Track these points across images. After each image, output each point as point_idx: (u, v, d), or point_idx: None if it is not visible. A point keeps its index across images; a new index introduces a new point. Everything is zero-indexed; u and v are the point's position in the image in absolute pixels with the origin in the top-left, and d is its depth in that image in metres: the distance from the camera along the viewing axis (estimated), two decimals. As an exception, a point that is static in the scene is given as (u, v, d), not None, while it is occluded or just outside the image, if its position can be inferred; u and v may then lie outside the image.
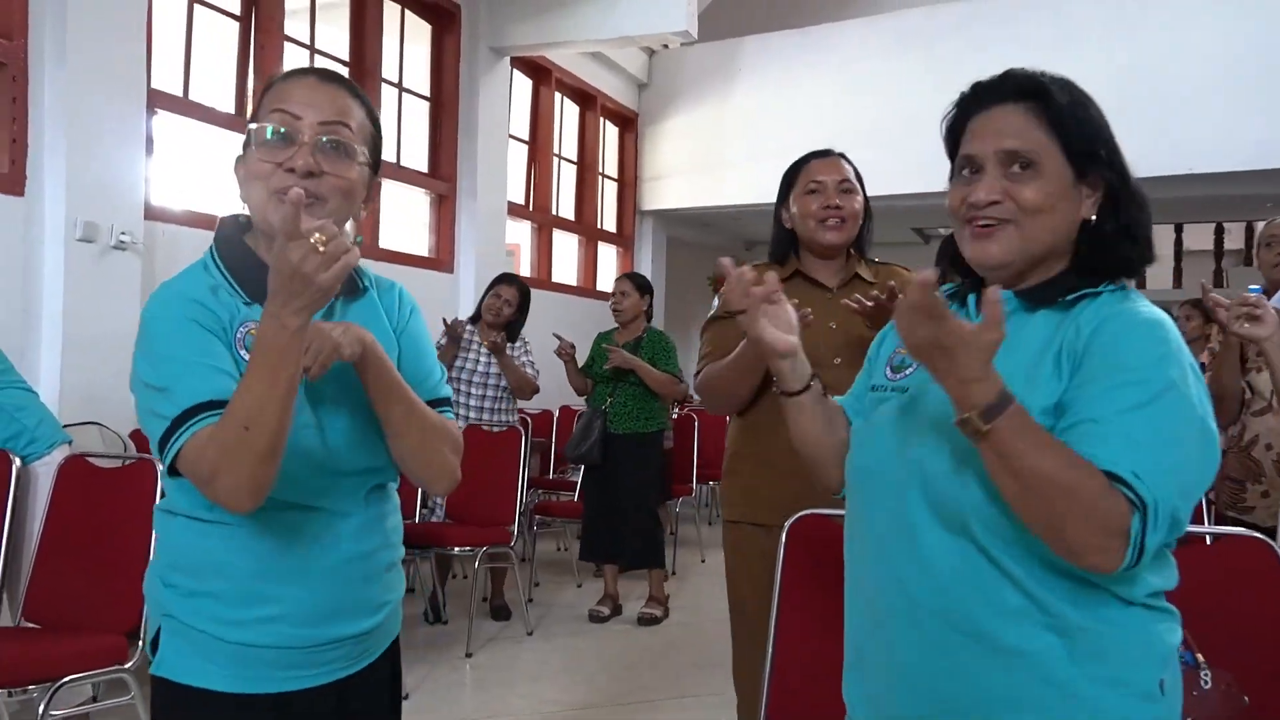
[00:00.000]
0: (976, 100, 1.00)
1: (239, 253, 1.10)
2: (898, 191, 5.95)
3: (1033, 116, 0.97)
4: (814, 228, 1.88)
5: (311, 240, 0.89)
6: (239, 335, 1.07)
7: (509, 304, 3.96)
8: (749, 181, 6.76)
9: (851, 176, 1.93)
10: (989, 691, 0.92)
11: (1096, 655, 0.91)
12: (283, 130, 1.04)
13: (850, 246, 1.95)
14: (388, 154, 5.34)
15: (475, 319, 4.03)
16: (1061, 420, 0.91)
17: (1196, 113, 5.54)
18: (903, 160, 6.18)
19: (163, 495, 1.16)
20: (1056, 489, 0.85)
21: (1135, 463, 0.86)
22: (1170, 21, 5.72)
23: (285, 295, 0.92)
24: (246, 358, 1.03)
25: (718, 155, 7.06)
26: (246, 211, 1.09)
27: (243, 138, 1.08)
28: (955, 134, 1.02)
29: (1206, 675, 1.11)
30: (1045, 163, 0.96)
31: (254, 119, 1.07)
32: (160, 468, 1.06)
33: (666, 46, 7.39)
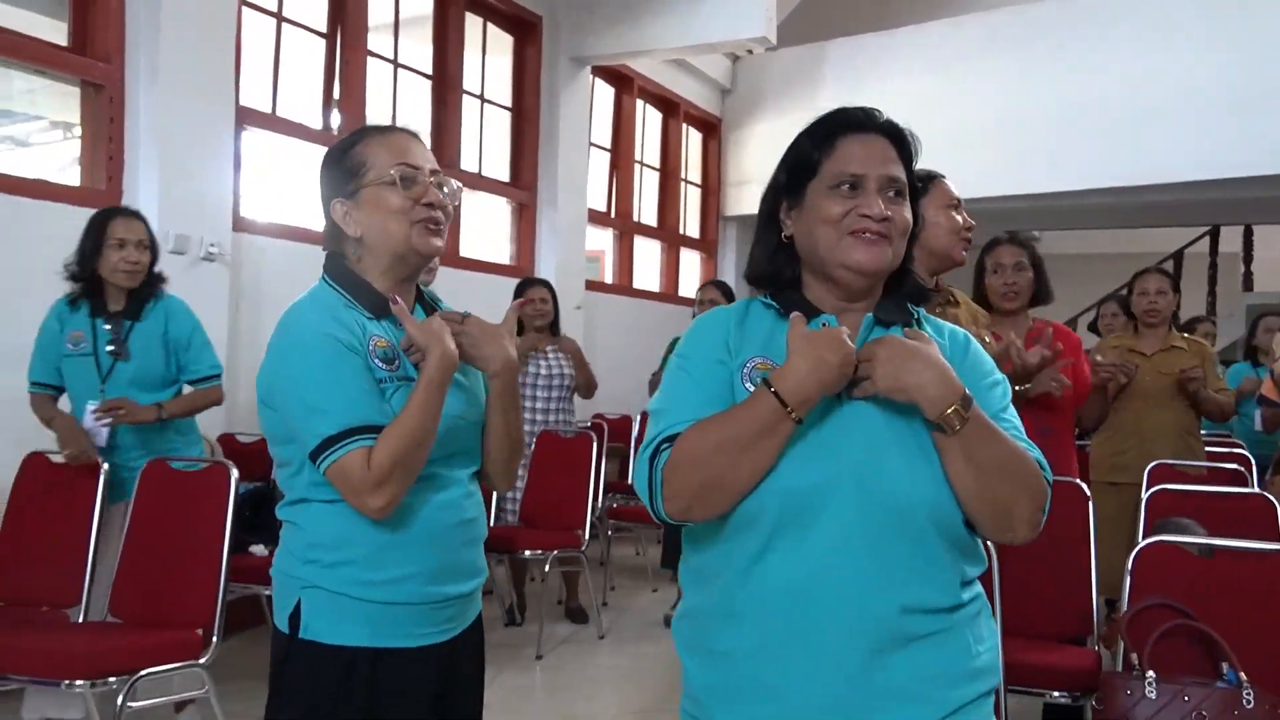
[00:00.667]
0: (851, 126, 1.10)
1: (351, 279, 1.34)
2: (992, 194, 5.79)
3: (894, 152, 1.10)
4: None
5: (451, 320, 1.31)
6: (371, 348, 1.28)
7: (544, 302, 3.97)
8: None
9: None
10: (924, 659, 1.02)
11: (979, 616, 1.09)
12: (412, 178, 1.32)
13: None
14: (470, 163, 5.48)
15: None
16: None
17: None
18: (997, 160, 6.02)
19: (281, 496, 1.36)
20: (1014, 470, 1.00)
21: (1031, 450, 1.04)
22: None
23: (442, 361, 1.25)
24: (380, 365, 1.28)
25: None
26: (356, 234, 1.33)
27: (343, 170, 1.33)
28: (813, 151, 1.11)
29: (1249, 694, 1.03)
30: (906, 194, 1.10)
31: (362, 167, 1.32)
32: (285, 471, 1.32)
33: (751, 52, 7.35)
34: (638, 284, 6.84)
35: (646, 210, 7.00)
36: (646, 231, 6.98)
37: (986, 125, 6.04)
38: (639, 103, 6.77)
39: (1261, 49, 5.40)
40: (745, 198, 7.49)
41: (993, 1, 6.53)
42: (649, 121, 6.99)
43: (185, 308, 2.74)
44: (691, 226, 7.60)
